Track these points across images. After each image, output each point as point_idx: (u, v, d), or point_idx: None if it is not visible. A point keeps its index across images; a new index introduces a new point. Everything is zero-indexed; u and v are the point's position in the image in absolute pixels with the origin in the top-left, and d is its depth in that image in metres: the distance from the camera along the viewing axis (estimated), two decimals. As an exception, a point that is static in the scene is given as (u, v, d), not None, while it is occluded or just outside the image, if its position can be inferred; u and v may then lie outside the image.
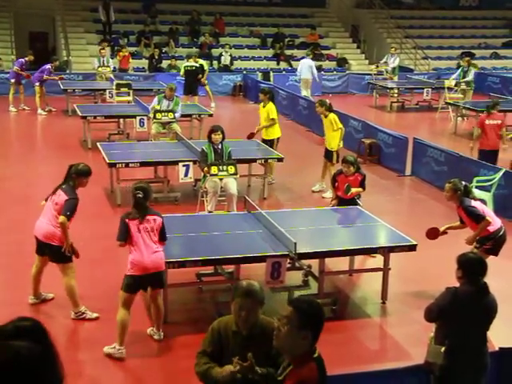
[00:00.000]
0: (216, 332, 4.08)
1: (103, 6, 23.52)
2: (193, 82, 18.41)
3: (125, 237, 6.03)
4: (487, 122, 12.17)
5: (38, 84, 17.64)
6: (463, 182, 7.33)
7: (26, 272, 7.17)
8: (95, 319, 6.81)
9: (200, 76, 18.62)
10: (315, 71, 20.13)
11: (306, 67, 20.06)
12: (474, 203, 7.18)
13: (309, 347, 3.35)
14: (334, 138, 11.33)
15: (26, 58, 18.34)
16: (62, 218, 6.53)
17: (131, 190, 6.21)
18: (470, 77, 19.10)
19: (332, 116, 11.33)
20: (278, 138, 11.97)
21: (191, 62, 18.64)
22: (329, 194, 11.44)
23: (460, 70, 19.63)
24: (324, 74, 23.61)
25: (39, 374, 2.34)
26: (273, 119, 11.80)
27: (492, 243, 7.15)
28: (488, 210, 7.45)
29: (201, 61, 19.26)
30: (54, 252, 6.69)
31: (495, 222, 7.21)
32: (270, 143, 11.74)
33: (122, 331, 6.06)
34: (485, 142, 12.11)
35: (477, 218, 7.10)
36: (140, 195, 6.05)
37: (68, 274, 6.72)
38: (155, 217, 6.14)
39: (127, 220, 6.03)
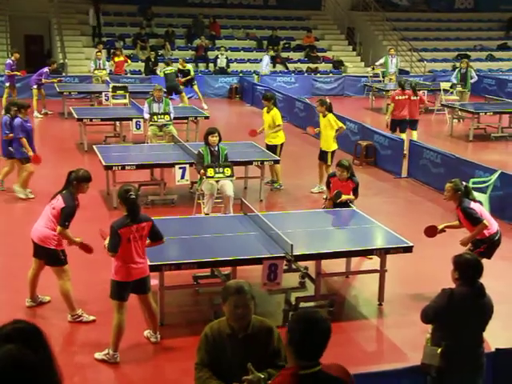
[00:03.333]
0: (210, 339, 4.04)
1: (94, 9, 23.54)
2: (173, 83, 18.50)
3: (118, 248, 5.88)
4: (397, 97, 14.39)
5: (35, 87, 17.62)
6: (464, 183, 7.35)
7: (22, 274, 7.17)
8: (92, 322, 6.81)
9: (179, 79, 18.83)
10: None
11: (266, 63, 22.29)
12: (472, 205, 7.18)
13: (294, 361, 3.27)
14: (329, 138, 11.37)
15: (12, 58, 18.24)
16: (59, 229, 6.53)
17: (119, 195, 6.00)
18: (474, 77, 19.28)
19: (331, 116, 11.36)
20: (282, 144, 11.86)
21: (171, 67, 18.84)
22: (316, 189, 11.57)
23: (457, 71, 19.61)
24: (320, 76, 23.67)
25: (33, 378, 2.33)
26: (279, 125, 11.73)
27: (486, 247, 7.16)
28: (486, 213, 7.44)
29: (188, 65, 19.74)
30: (49, 255, 6.69)
31: (492, 226, 7.21)
32: (273, 149, 11.66)
33: (117, 337, 6.04)
34: (395, 113, 14.32)
35: (474, 221, 7.10)
36: (133, 196, 5.91)
37: (63, 277, 6.71)
38: (144, 224, 5.99)
39: (119, 231, 5.86)
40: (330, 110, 11.41)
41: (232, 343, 3.98)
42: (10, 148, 10.66)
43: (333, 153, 11.41)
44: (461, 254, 5.02)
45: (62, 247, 6.72)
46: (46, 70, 17.86)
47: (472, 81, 19.30)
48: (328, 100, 11.70)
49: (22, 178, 10.62)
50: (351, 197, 8.57)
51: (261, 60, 24.51)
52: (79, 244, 6.68)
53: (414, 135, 14.33)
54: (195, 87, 19.64)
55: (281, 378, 3.31)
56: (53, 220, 6.59)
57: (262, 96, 12.30)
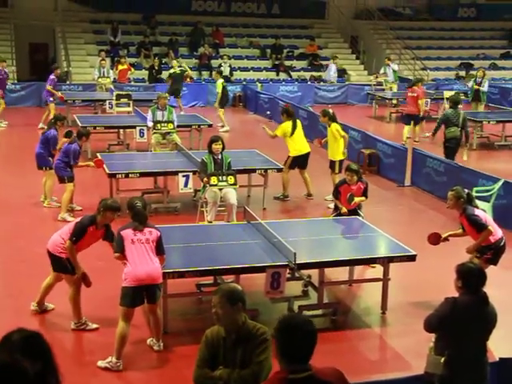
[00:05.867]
0: (209, 340, 4.20)
1: (112, 29, 23.73)
2: (179, 85, 18.86)
3: (121, 248, 6.08)
4: (409, 94, 16.58)
5: (51, 99, 16.95)
6: (466, 190, 7.36)
7: (29, 280, 7.18)
8: (95, 330, 6.81)
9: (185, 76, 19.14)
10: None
11: (333, 71, 23.33)
12: (477, 212, 7.19)
13: (284, 364, 3.28)
14: (336, 149, 11.35)
15: (54, 74, 17.24)
16: (67, 243, 6.61)
17: (128, 205, 6.31)
18: (486, 87, 18.99)
19: (334, 126, 11.36)
20: (294, 157, 11.64)
21: (176, 68, 19.04)
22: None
23: (473, 80, 19.34)
24: (323, 84, 23.72)
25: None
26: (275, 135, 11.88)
27: (492, 253, 7.16)
28: (490, 220, 7.44)
29: (183, 64, 19.93)
30: (55, 261, 6.74)
31: (496, 232, 7.23)
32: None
33: (121, 345, 6.06)
34: (406, 107, 16.95)
35: (479, 227, 7.11)
36: (139, 205, 6.16)
37: (72, 285, 6.74)
38: (151, 229, 6.20)
39: (121, 232, 6.10)
40: (333, 119, 11.41)
41: (225, 346, 4.13)
42: (49, 158, 10.55)
43: (340, 162, 11.35)
44: (464, 262, 5.02)
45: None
46: (52, 76, 17.21)
47: (484, 89, 18.97)
48: (330, 110, 11.71)
49: (63, 200, 10.21)
50: (363, 198, 8.64)
51: (264, 69, 24.61)
52: (81, 274, 6.71)
53: (406, 129, 16.38)
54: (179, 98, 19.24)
55: (270, 383, 3.33)
56: (67, 232, 6.69)
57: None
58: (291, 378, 3.22)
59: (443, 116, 13.50)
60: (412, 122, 16.41)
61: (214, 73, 19.24)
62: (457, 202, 7.21)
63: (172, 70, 19.07)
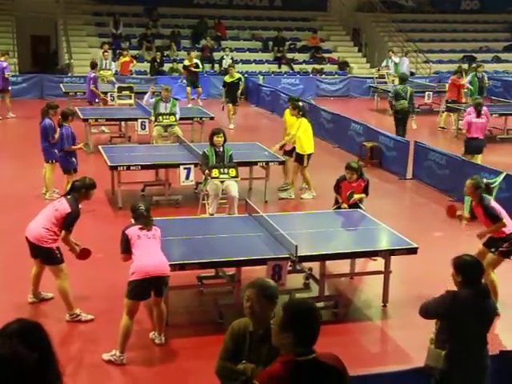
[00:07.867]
0: (236, 333, 4.15)
1: (113, 22, 23.70)
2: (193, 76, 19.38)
3: (127, 249, 6.10)
4: (448, 81, 18.13)
5: (97, 101, 16.38)
6: (484, 180, 7.41)
7: (27, 273, 7.18)
8: (90, 321, 6.80)
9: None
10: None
11: (406, 65, 23.42)
12: (492, 203, 7.30)
13: (292, 348, 3.34)
14: (305, 142, 11.18)
15: (94, 71, 16.45)
16: (64, 234, 6.67)
17: (131, 207, 6.39)
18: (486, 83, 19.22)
19: (303, 121, 11.17)
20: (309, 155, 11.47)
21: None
22: (306, 196, 11.33)
23: (472, 76, 19.20)
24: (325, 77, 23.67)
25: (23, 375, 2.34)
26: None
27: (508, 245, 7.17)
28: (503, 212, 7.48)
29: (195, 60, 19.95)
30: (44, 254, 6.74)
31: (509, 224, 7.30)
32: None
33: (125, 339, 6.06)
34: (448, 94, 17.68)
35: (494, 219, 7.19)
36: (142, 208, 6.25)
37: (60, 276, 6.73)
38: (155, 227, 6.29)
39: (126, 231, 6.15)
40: (303, 113, 11.30)
41: (251, 340, 4.10)
42: (55, 151, 10.55)
43: (309, 156, 11.23)
44: (460, 256, 4.91)
45: (57, 244, 6.76)
46: (92, 74, 16.41)
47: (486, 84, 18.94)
48: (301, 103, 11.60)
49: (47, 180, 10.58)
50: (363, 195, 8.58)
51: (266, 61, 24.55)
52: (78, 253, 6.83)
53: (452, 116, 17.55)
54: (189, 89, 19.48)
55: (276, 366, 3.35)
56: (53, 222, 6.67)
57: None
58: (298, 361, 3.29)
59: (394, 91, 15.13)
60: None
61: (231, 67, 18.61)
62: (474, 192, 7.27)
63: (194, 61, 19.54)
